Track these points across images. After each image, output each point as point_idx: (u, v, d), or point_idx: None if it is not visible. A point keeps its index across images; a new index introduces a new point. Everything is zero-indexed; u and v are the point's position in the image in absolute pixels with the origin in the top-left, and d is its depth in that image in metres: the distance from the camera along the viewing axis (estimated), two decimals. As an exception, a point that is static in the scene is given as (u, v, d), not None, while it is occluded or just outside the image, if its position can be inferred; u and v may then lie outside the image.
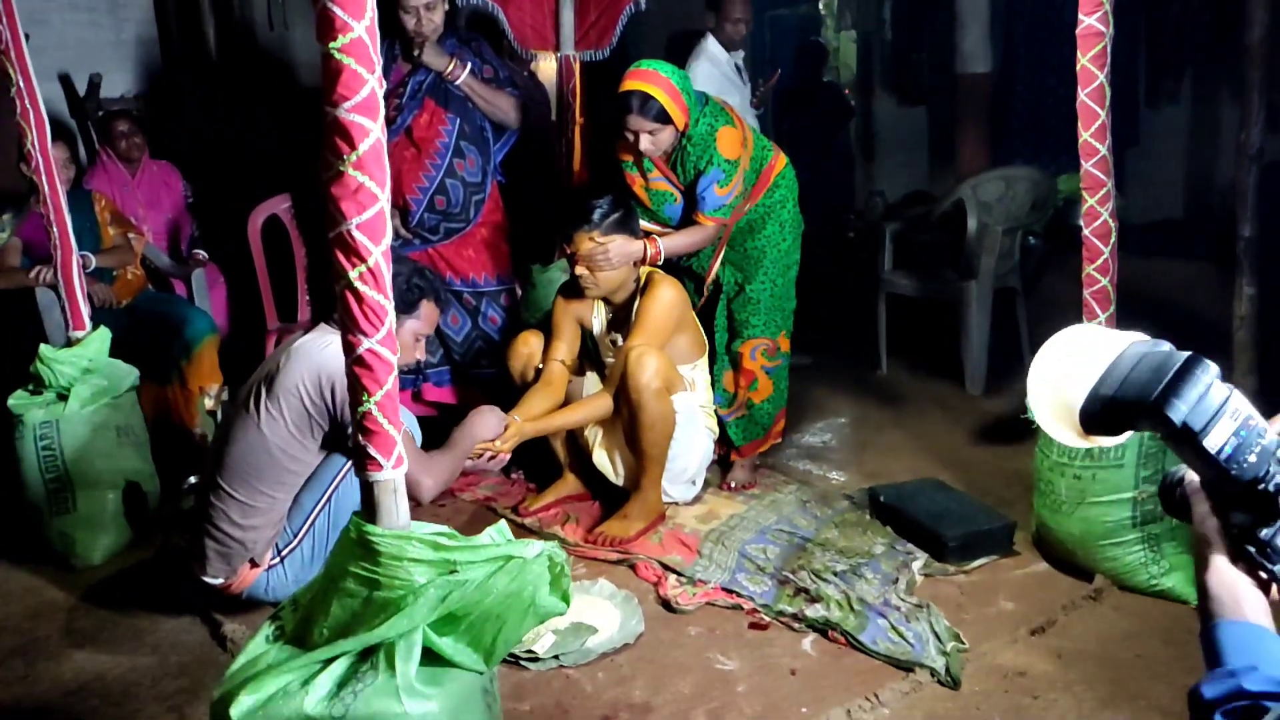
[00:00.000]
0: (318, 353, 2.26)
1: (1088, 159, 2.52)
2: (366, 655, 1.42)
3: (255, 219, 3.85)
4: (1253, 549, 0.96)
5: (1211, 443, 0.92)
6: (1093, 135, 2.49)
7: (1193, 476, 1.04)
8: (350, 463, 2.26)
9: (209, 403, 3.62)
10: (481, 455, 2.67)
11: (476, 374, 3.39)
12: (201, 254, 4.18)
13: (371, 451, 1.42)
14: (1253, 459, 0.92)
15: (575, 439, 3.09)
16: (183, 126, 4.76)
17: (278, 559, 2.42)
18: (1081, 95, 2.47)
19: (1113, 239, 2.53)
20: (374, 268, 1.37)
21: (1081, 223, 2.55)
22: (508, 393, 3.07)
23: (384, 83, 1.36)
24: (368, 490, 1.44)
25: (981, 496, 3.03)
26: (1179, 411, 0.93)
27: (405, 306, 2.34)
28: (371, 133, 1.34)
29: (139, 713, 2.16)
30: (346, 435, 2.26)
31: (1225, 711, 0.91)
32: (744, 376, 3.16)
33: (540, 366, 3.01)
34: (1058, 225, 4.64)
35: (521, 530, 2.97)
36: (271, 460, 2.30)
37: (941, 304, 4.22)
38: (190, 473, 3.20)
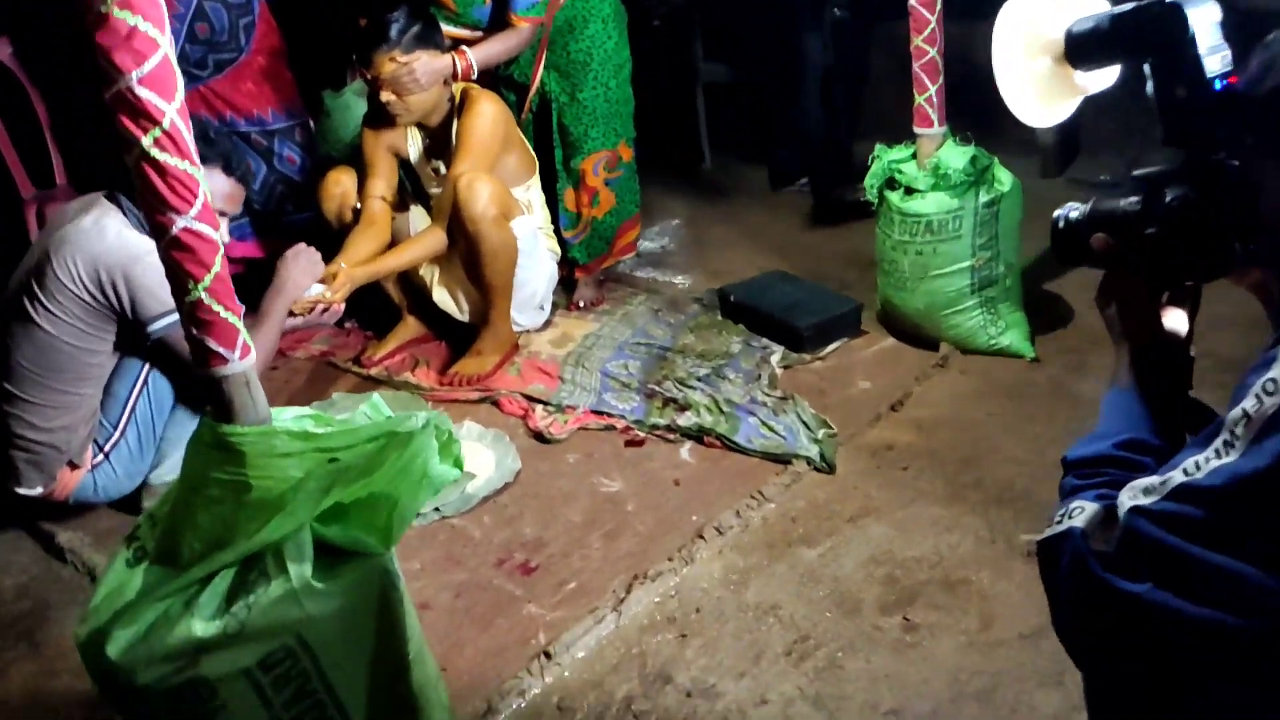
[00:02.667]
0: (92, 243, 1.96)
1: (909, -79, 2.42)
2: (250, 563, 1.29)
3: (-27, 69, 3.24)
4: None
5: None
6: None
7: (1101, 236, 1.01)
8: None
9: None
10: (311, 310, 2.46)
11: (286, 222, 3.08)
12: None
13: (212, 344, 1.23)
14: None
15: (410, 279, 2.90)
16: None
17: (100, 456, 2.18)
18: None
19: (938, 6, 2.48)
20: (171, 130, 1.13)
21: (907, -8, 2.48)
22: (325, 239, 2.81)
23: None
24: (214, 387, 1.26)
25: (823, 281, 3.09)
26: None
27: None
28: (134, -43, 1.06)
29: (-17, 650, 1.95)
30: (141, 335, 2.02)
31: (1077, 474, 0.96)
32: (586, 193, 3.01)
33: (358, 206, 2.76)
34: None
35: (369, 382, 2.81)
36: (67, 358, 2.03)
37: (756, 88, 4.13)
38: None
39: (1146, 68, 0.91)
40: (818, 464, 2.21)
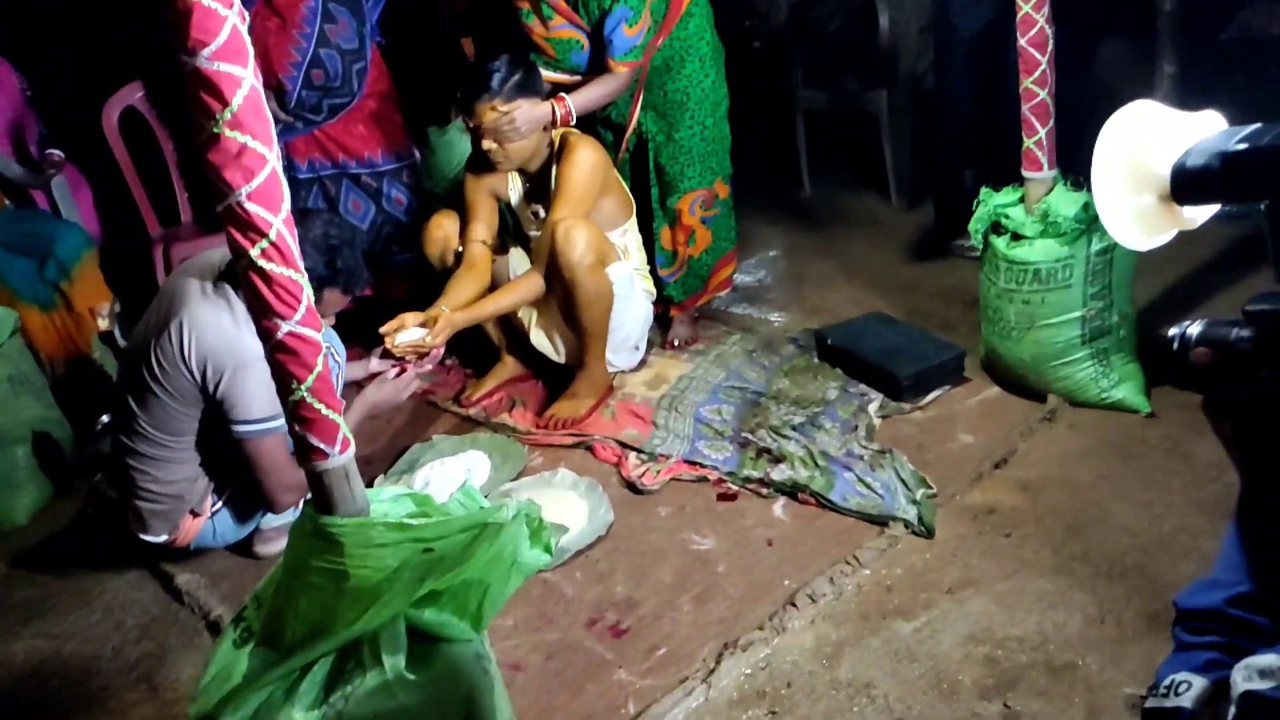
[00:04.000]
0: (210, 335, 2.05)
1: (1020, -38, 2.33)
2: (348, 653, 1.33)
3: (110, 114, 3.43)
4: None
5: None
6: (1025, -65, 2.30)
7: (1203, 349, 0.97)
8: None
9: (103, 323, 3.35)
10: (412, 354, 2.52)
11: (391, 261, 3.17)
12: (57, 154, 3.73)
13: (313, 440, 1.27)
14: None
15: (509, 320, 2.94)
16: (3, 10, 4.15)
17: (219, 503, 2.29)
18: (1011, -111, 2.26)
19: (1049, 48, 2.39)
20: (277, 240, 1.17)
21: (1017, 33, 2.39)
22: (427, 280, 2.88)
23: (245, 16, 1.12)
24: (316, 480, 1.30)
25: (924, 321, 3.01)
26: None
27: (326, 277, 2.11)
28: (244, 82, 1.10)
29: (106, 688, 2.06)
30: (225, 429, 2.08)
31: (1187, 628, 0.90)
32: (682, 231, 3.01)
33: (460, 249, 2.81)
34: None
35: (467, 422, 2.86)
36: (180, 423, 2.13)
37: (859, 114, 4.06)
38: (100, 408, 2.99)
39: (1262, 206, 0.86)
40: (916, 528, 2.16)
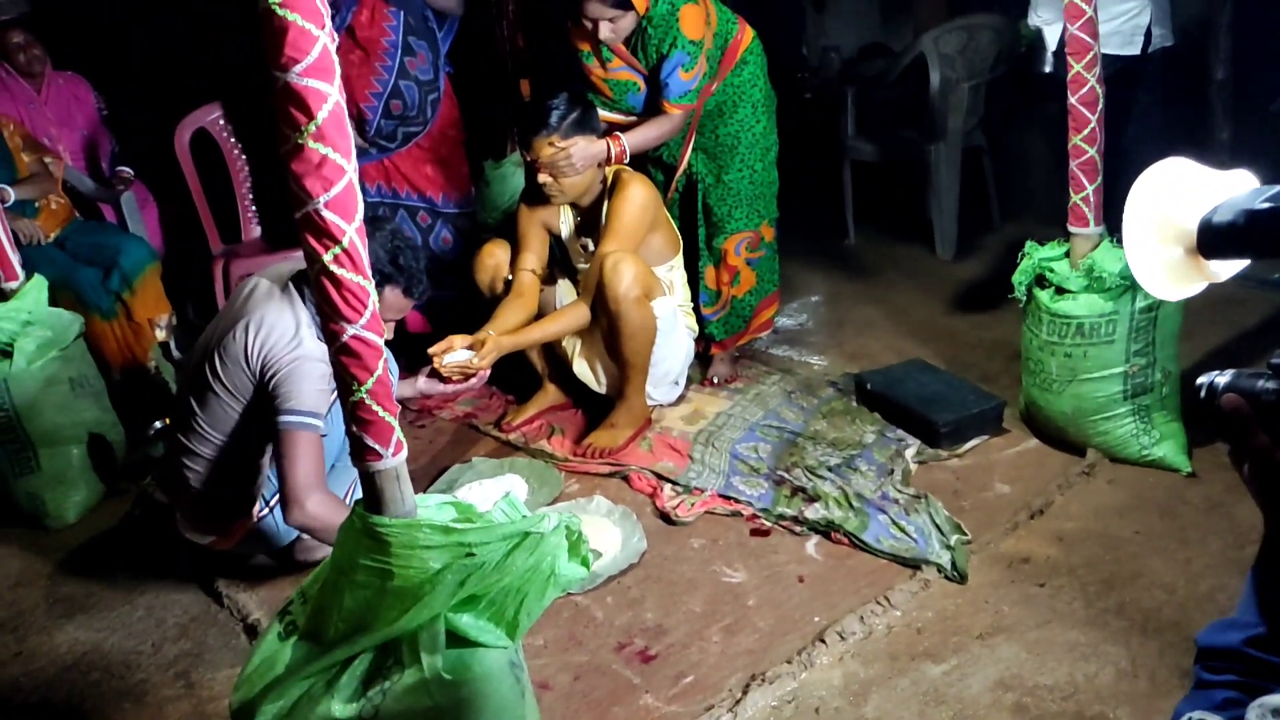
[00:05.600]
0: (275, 335, 2.11)
1: (1073, 21, 2.38)
2: (387, 650, 1.37)
3: (182, 134, 3.57)
4: None
5: None
6: (1078, -5, 2.35)
7: (1231, 394, 0.99)
8: (335, 393, 2.14)
9: (160, 334, 3.47)
10: (460, 375, 2.58)
11: (432, 297, 3.25)
12: (127, 171, 3.89)
13: (369, 442, 1.32)
14: None
15: (553, 349, 3.00)
16: (86, 31, 4.35)
17: (265, 509, 2.34)
18: (1066, -47, 2.32)
19: (1100, 106, 2.42)
20: (349, 248, 1.24)
21: (1068, 92, 2.43)
22: (473, 310, 2.95)
23: (335, 36, 1.19)
24: (369, 480, 1.35)
25: (964, 371, 3.02)
26: None
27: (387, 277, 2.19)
28: (329, 97, 1.18)
29: (144, 683, 2.11)
30: (270, 418, 2.11)
31: (1206, 666, 0.91)
32: (727, 271, 3.06)
33: (509, 277, 2.88)
34: (1020, 74, 4.47)
35: (507, 447, 2.91)
36: (237, 422, 2.19)
37: (907, 166, 4.11)
38: (154, 414, 3.07)
39: None
40: (949, 573, 2.16)
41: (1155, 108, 3.21)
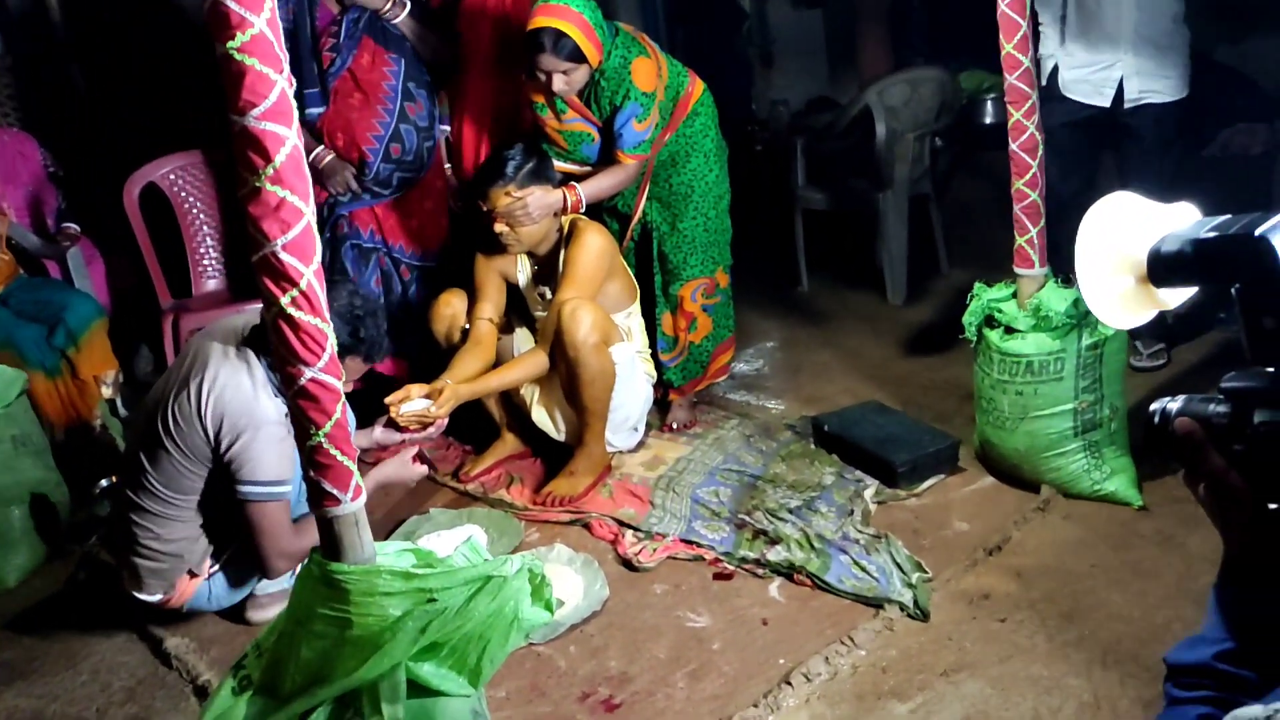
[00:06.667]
0: (229, 395, 2.08)
1: (1011, 72, 2.47)
2: (347, 700, 1.33)
3: (131, 189, 3.53)
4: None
5: None
6: (1015, 47, 2.44)
7: (1185, 418, 1.01)
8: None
9: (106, 391, 3.39)
10: (416, 424, 2.56)
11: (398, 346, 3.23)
12: (73, 228, 3.83)
13: (327, 487, 1.30)
14: None
15: (511, 397, 2.99)
16: (33, 89, 4.31)
17: (216, 566, 2.29)
18: (1002, 6, 2.41)
19: (1040, 152, 2.51)
20: (307, 290, 1.23)
21: (1009, 138, 2.51)
22: (432, 358, 2.93)
23: (293, 81, 1.20)
24: (326, 526, 1.33)
25: (920, 413, 3.06)
26: None
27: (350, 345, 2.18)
28: (287, 141, 1.18)
29: (89, 750, 2.03)
30: (229, 489, 2.10)
31: (1178, 684, 0.92)
32: (684, 318, 3.08)
33: (466, 326, 2.88)
34: (961, 125, 4.62)
35: (465, 498, 2.88)
36: (189, 481, 2.15)
37: (856, 214, 4.20)
38: (98, 473, 2.99)
39: (1234, 290, 0.92)
40: (911, 611, 2.16)
41: (1147, 157, 3.18)
